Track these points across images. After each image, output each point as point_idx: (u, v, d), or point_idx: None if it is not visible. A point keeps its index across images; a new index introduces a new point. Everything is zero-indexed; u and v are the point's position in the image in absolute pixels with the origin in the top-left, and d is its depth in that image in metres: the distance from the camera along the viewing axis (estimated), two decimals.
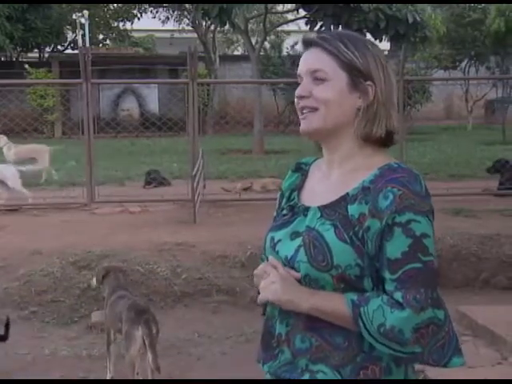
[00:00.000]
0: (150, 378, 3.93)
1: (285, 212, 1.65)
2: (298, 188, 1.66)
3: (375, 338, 1.43)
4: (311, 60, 1.55)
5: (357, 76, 1.52)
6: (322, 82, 1.53)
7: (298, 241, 1.53)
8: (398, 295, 1.42)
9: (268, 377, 1.62)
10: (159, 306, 5.69)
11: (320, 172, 1.64)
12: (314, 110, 1.54)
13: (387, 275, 1.44)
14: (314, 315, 1.50)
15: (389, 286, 1.44)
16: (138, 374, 4.02)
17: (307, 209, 1.57)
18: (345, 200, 1.51)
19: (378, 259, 1.45)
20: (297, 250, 1.52)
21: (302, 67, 1.57)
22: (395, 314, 1.41)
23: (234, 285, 5.96)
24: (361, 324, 1.43)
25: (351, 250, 1.46)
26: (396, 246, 1.43)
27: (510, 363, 4.29)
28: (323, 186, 1.59)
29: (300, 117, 1.57)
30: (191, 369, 4.68)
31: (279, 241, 1.59)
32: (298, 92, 1.56)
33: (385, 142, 1.58)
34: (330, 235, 1.48)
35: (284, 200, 1.68)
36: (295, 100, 1.58)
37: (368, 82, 1.53)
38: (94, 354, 4.90)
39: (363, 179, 1.50)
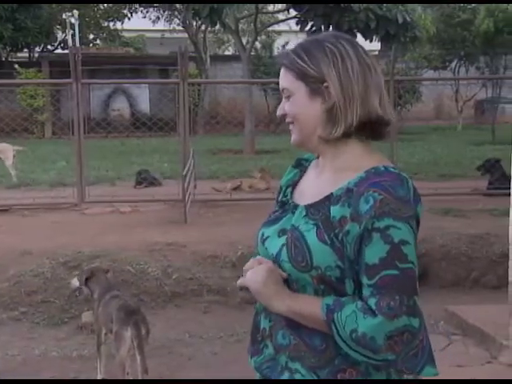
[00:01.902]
0: (140, 378, 3.93)
1: (277, 208, 1.67)
2: (294, 184, 1.68)
3: (348, 343, 1.42)
4: (280, 79, 1.62)
5: (312, 82, 1.54)
6: (289, 97, 1.58)
7: (283, 239, 1.54)
8: (371, 301, 1.41)
9: (255, 373, 1.64)
10: (150, 306, 5.68)
11: (316, 169, 1.65)
12: (293, 123, 1.60)
13: (364, 280, 1.44)
14: (290, 317, 1.50)
15: (365, 292, 1.44)
16: (128, 374, 4.02)
17: (296, 206, 1.59)
18: (329, 200, 1.51)
19: (358, 263, 1.45)
20: (280, 249, 1.54)
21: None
22: (367, 320, 1.40)
23: (225, 285, 5.95)
24: (334, 329, 1.43)
25: (331, 251, 1.46)
26: (374, 252, 1.42)
27: (499, 362, 4.31)
28: (314, 183, 1.61)
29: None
30: (182, 369, 4.67)
31: (268, 237, 1.60)
32: (277, 112, 1.64)
33: (373, 136, 1.58)
34: (310, 236, 1.48)
35: (280, 195, 1.70)
36: None
37: (325, 84, 1.52)
38: (84, 355, 4.88)
39: (349, 180, 1.49)
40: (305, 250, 1.47)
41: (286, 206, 1.64)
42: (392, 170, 1.49)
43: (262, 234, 1.63)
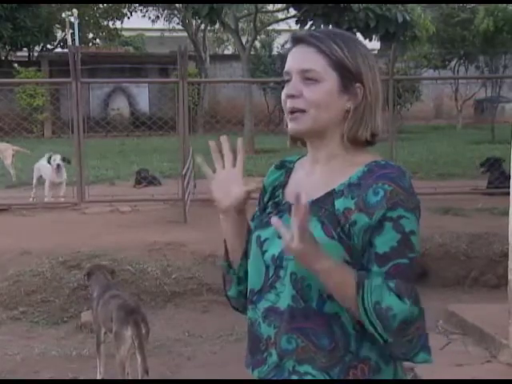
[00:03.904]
0: (140, 378, 3.92)
1: (270, 210, 1.64)
2: (283, 185, 1.65)
3: (367, 310, 1.42)
4: (302, 58, 1.51)
5: (347, 77, 1.51)
6: (313, 82, 1.50)
7: None
8: (391, 284, 1.42)
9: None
10: (149, 305, 5.68)
11: (304, 169, 1.63)
12: (303, 111, 1.51)
13: (375, 268, 1.44)
14: (322, 280, 1.44)
15: (376, 279, 1.44)
16: (128, 374, 4.01)
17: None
18: (331, 196, 1.51)
19: (364, 253, 1.46)
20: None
21: (293, 65, 1.52)
22: (392, 297, 1.41)
23: None
24: (360, 292, 1.42)
25: (339, 245, 1.46)
26: (385, 241, 1.43)
27: (499, 361, 4.31)
28: (308, 183, 1.58)
29: (289, 116, 1.54)
30: (182, 368, 4.67)
31: (266, 239, 1.57)
32: (288, 91, 1.52)
33: (368, 142, 1.58)
34: (317, 232, 1.46)
35: (267, 196, 1.68)
36: (283, 98, 1.54)
37: (357, 84, 1.51)
38: (83, 354, 4.88)
39: (350, 175, 1.50)
40: None
41: (279, 206, 1.61)
42: (392, 163, 1.51)
43: (259, 237, 1.60)
